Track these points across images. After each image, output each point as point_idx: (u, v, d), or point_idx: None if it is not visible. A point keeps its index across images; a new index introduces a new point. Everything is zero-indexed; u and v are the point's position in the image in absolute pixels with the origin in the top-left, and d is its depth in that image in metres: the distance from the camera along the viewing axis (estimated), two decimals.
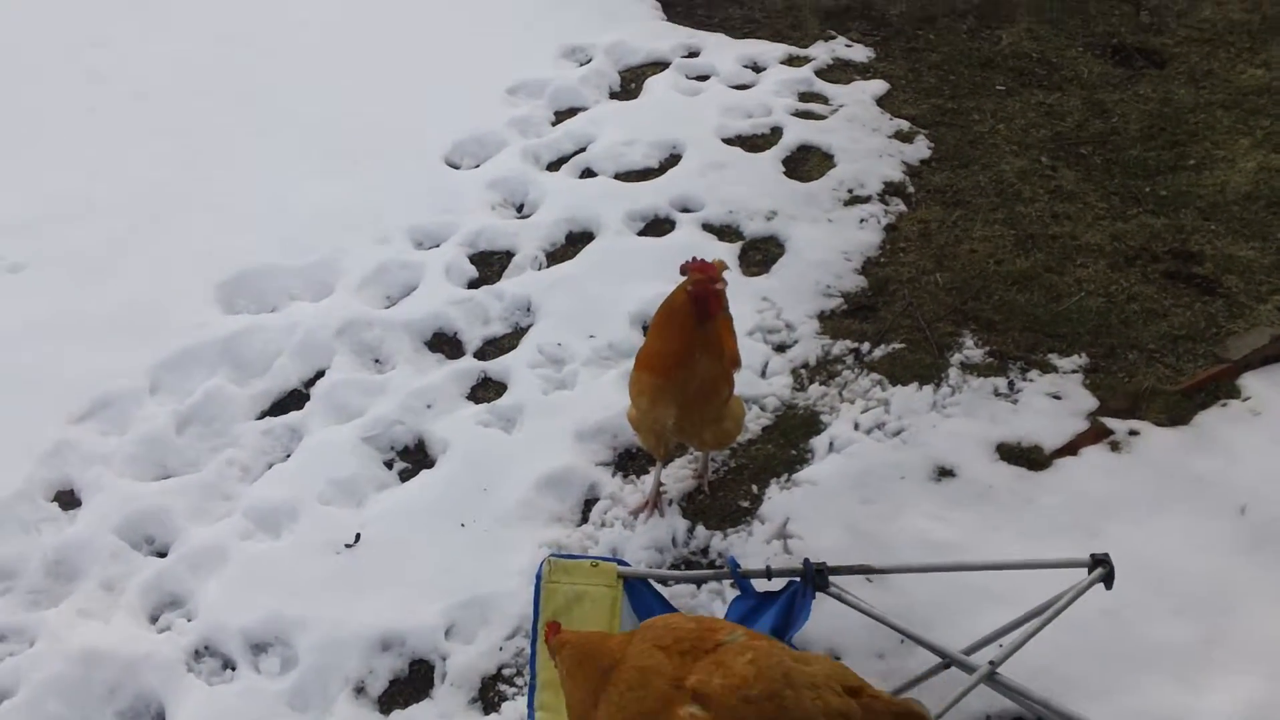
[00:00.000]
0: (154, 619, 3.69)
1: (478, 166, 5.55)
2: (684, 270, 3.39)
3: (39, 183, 5.51)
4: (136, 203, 5.32)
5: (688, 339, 3.39)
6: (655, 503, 3.88)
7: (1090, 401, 4.18)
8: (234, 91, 6.13)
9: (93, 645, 3.53)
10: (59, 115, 6.03)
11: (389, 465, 4.15)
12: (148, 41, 6.57)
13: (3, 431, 4.21)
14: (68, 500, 4.05)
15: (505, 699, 3.43)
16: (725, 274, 3.68)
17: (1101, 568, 2.95)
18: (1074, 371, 4.30)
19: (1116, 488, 3.86)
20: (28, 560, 3.82)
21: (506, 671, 3.49)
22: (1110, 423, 4.09)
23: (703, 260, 3.40)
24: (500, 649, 3.52)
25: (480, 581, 3.67)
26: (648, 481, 3.96)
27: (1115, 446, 4.01)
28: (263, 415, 4.34)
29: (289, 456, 4.16)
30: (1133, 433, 4.05)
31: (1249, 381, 4.23)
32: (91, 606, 3.69)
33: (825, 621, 3.36)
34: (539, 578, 3.10)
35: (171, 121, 5.91)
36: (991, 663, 2.85)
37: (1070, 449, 4.02)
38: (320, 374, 4.46)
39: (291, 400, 4.40)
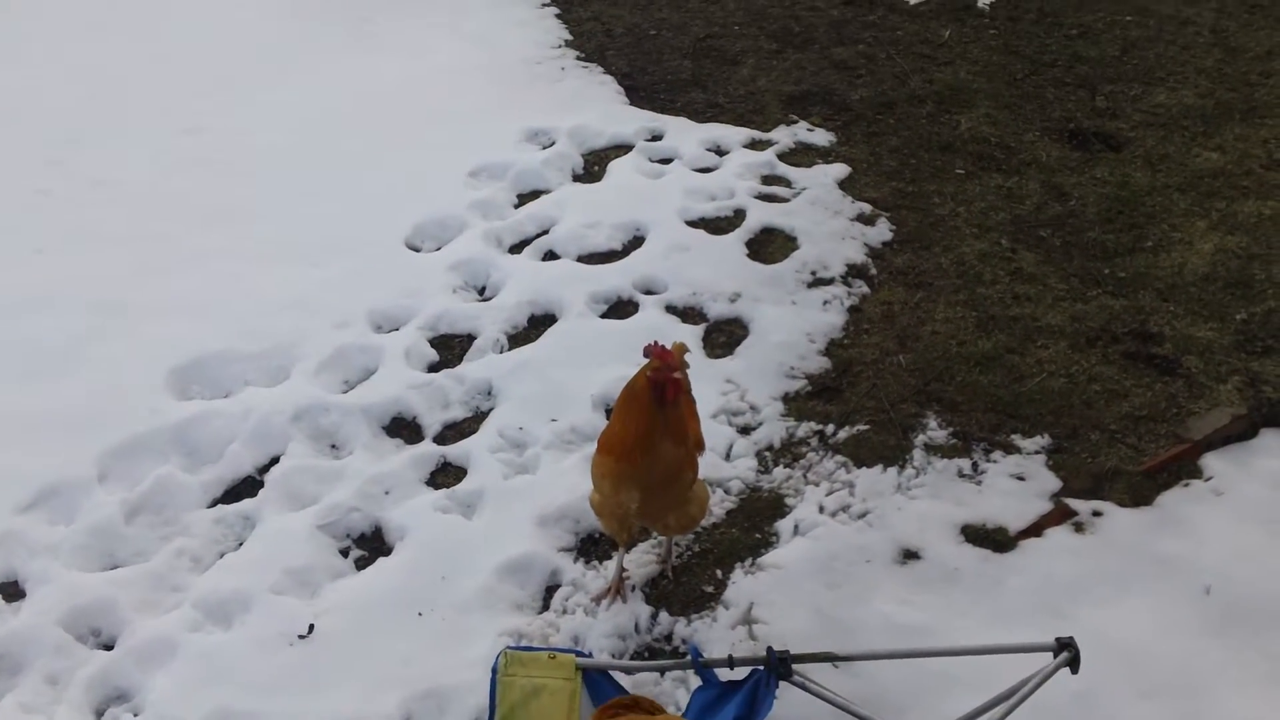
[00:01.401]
0: (99, 714, 3.55)
1: (439, 249, 5.52)
2: (646, 353, 3.37)
3: None
4: (90, 291, 5.20)
5: (650, 422, 3.36)
6: (618, 589, 3.81)
7: (1053, 482, 4.17)
8: (194, 181, 6.06)
9: None
10: (11, 198, 5.93)
11: (345, 553, 4.05)
12: (109, 133, 6.52)
13: None
14: (12, 592, 3.91)
15: None
16: (687, 357, 3.67)
17: (1067, 651, 2.92)
18: (1037, 452, 4.29)
19: (1082, 569, 3.83)
20: None
21: None
22: (1074, 503, 4.08)
23: (662, 346, 3.38)
24: None
25: (439, 672, 3.56)
26: (610, 567, 3.89)
27: (1079, 528, 4.00)
28: (215, 503, 4.23)
29: (241, 545, 4.05)
30: (1096, 513, 4.03)
31: (1211, 461, 4.24)
32: (34, 701, 3.54)
33: (791, 709, 3.28)
34: (495, 671, 3.02)
35: (129, 209, 5.83)
36: None
37: (1035, 530, 3.99)
38: (275, 460, 4.37)
39: (245, 488, 4.30)
